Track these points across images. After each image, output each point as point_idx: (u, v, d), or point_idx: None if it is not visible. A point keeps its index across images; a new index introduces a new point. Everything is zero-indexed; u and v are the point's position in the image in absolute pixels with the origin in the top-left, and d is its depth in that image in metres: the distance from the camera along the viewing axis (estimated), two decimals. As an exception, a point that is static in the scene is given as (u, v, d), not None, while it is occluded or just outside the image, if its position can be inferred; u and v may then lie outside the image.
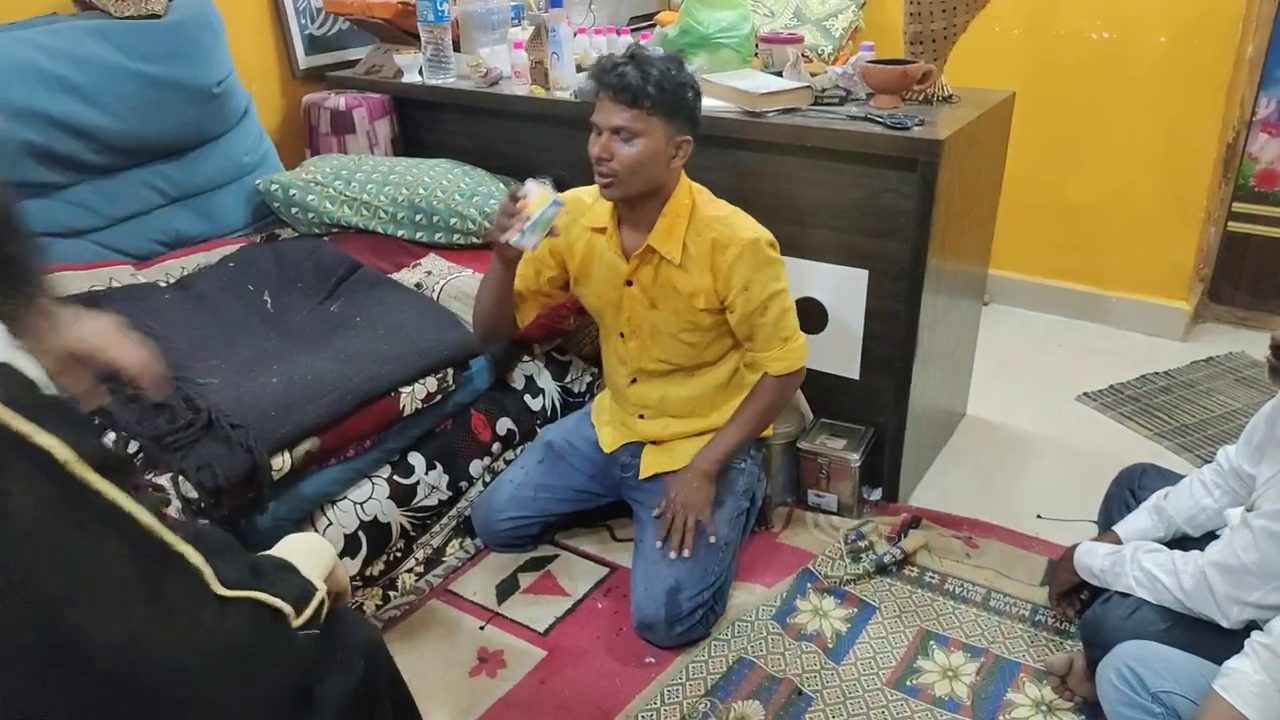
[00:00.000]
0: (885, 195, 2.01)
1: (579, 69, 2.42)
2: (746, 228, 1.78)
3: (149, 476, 1.57)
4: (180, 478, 1.57)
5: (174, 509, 1.54)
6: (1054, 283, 3.30)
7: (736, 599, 1.95)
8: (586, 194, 1.88)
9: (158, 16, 2.21)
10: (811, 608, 1.94)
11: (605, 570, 2.05)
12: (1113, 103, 2.99)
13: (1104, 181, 3.09)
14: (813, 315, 2.15)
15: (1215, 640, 1.42)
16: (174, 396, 1.67)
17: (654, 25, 3.02)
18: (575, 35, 2.50)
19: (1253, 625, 1.41)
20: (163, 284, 2.11)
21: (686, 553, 1.82)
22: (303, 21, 2.69)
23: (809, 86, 2.17)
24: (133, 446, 1.62)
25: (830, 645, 1.84)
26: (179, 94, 2.20)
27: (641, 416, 1.99)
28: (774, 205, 2.03)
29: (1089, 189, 3.13)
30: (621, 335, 1.91)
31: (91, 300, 1.95)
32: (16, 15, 2.11)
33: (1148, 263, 3.11)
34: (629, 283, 1.84)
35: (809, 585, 1.99)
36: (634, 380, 1.96)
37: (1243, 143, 2.99)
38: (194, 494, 1.56)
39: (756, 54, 2.46)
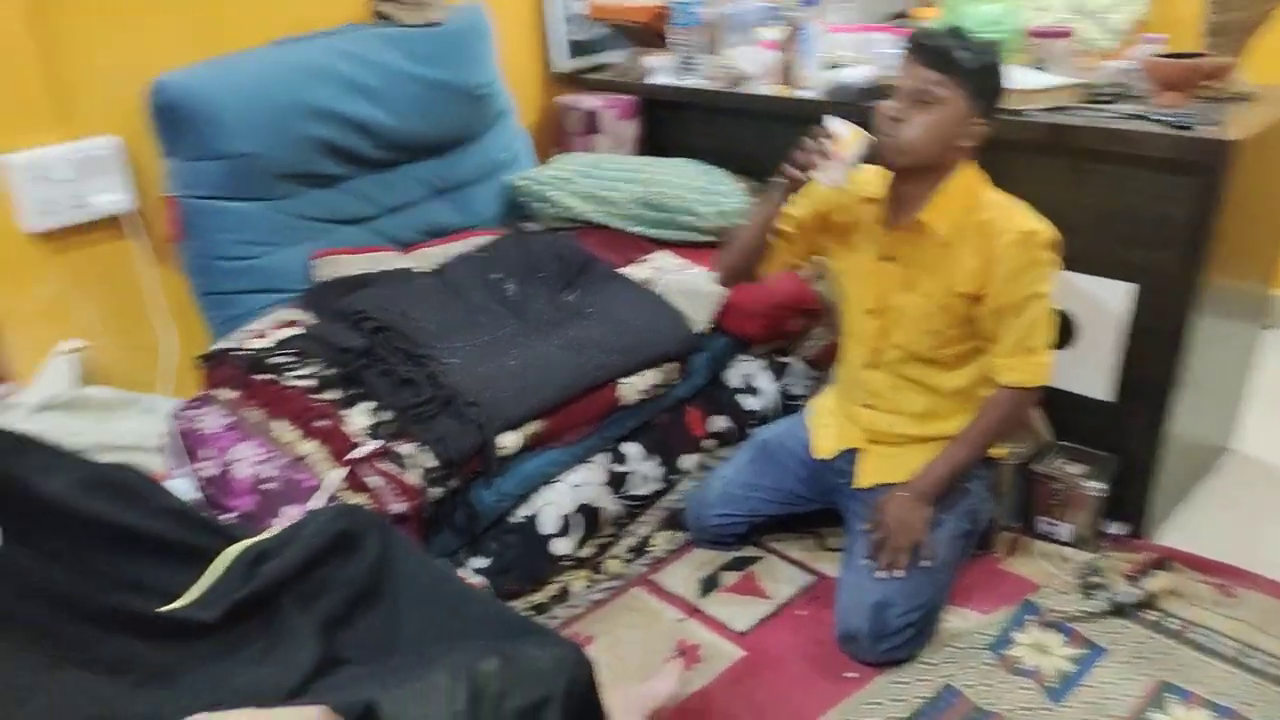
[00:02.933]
0: (1158, 201, 1.84)
1: (831, 67, 2.39)
2: (1027, 219, 1.71)
3: (398, 445, 1.73)
4: (424, 446, 1.72)
5: (417, 475, 1.70)
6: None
7: (948, 623, 1.86)
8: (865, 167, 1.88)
9: (438, 24, 2.43)
10: (1031, 641, 1.82)
11: (810, 578, 2.02)
12: None
13: None
14: (1058, 328, 2.00)
15: None
16: (419, 372, 1.84)
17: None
18: (830, 33, 2.46)
19: None
20: (421, 270, 2.32)
21: (899, 574, 1.77)
22: (566, 27, 2.84)
23: (1080, 83, 2.02)
24: (387, 414, 1.80)
25: (1051, 684, 1.72)
26: (451, 95, 2.40)
27: (868, 406, 1.93)
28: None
29: None
30: (869, 312, 1.86)
31: (361, 283, 2.18)
32: (324, 25, 2.37)
33: None
34: (887, 258, 1.80)
35: (1029, 618, 1.87)
36: (870, 364, 1.90)
37: None
38: (434, 463, 1.71)
39: (1026, 49, 2.33)
